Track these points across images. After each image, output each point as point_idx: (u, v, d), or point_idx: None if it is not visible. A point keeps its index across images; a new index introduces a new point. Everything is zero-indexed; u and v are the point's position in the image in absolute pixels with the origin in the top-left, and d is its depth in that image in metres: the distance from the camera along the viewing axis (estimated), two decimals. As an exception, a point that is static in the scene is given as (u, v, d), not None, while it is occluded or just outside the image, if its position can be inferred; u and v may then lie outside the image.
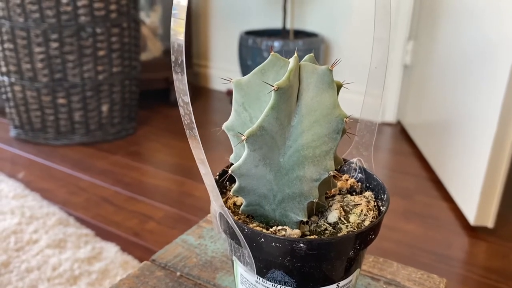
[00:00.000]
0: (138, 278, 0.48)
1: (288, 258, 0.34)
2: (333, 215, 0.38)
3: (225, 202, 0.40)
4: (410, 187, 1.46)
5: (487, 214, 1.21)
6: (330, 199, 0.41)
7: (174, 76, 0.30)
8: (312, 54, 0.36)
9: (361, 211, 0.38)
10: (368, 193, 0.41)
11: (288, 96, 0.34)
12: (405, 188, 1.46)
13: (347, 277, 0.37)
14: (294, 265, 0.35)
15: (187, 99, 0.30)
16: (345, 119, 0.34)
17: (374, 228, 0.36)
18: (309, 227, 0.38)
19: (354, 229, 0.37)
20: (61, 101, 1.65)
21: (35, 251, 1.11)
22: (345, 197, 0.41)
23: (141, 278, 0.48)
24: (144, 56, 2.11)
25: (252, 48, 1.81)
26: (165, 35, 2.33)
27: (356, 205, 0.39)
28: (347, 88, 0.37)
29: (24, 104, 1.67)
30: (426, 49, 1.70)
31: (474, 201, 1.21)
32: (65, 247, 1.13)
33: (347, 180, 0.43)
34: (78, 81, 1.63)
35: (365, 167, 0.43)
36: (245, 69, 1.90)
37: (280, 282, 0.36)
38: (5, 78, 1.66)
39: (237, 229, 0.35)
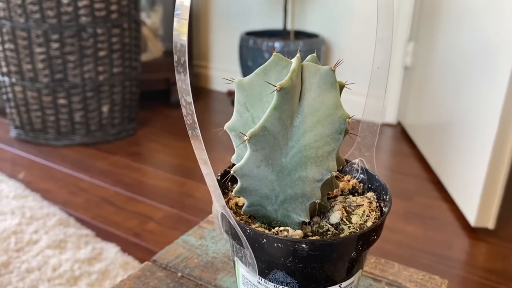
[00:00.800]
0: (139, 279, 0.48)
1: (290, 259, 0.34)
2: (335, 216, 0.38)
3: (227, 202, 0.40)
4: (411, 188, 1.46)
5: (487, 215, 1.21)
6: (332, 200, 0.41)
7: (177, 76, 0.30)
8: (314, 55, 0.36)
9: (363, 212, 0.38)
10: (370, 194, 0.41)
11: (290, 96, 0.33)
12: (405, 189, 1.45)
13: (349, 278, 0.37)
14: (296, 266, 0.35)
15: (190, 99, 0.30)
16: (347, 119, 0.34)
17: (376, 229, 0.36)
18: (311, 228, 0.38)
19: (356, 230, 0.37)
20: (61, 101, 1.65)
21: (35, 252, 1.11)
22: (347, 198, 0.40)
23: (142, 278, 0.48)
24: (145, 57, 2.11)
25: (253, 48, 1.81)
26: (166, 36, 2.33)
27: (358, 206, 0.39)
28: (349, 88, 0.37)
29: (24, 104, 1.67)
30: (426, 51, 1.70)
31: (475, 202, 1.21)
32: (66, 248, 1.13)
33: (349, 181, 0.43)
34: (79, 81, 1.63)
35: (367, 167, 0.43)
36: (246, 70, 1.90)
37: (282, 283, 0.36)
38: (6, 79, 1.66)
39: (239, 229, 0.35)
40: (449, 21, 1.51)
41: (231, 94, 2.29)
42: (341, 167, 0.41)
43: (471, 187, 1.24)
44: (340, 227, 0.37)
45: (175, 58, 0.29)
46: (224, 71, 2.35)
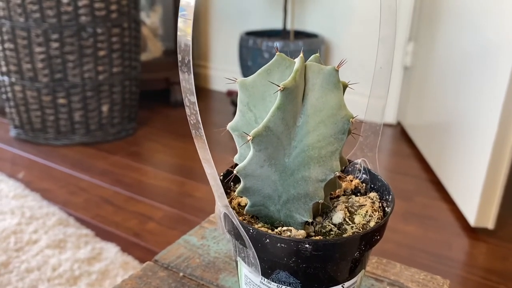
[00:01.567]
0: (141, 279, 0.48)
1: (293, 259, 0.34)
2: (338, 216, 0.38)
3: (230, 202, 0.40)
4: (410, 188, 1.46)
5: (487, 215, 1.21)
6: (335, 199, 0.41)
7: (181, 76, 0.30)
8: (317, 54, 0.36)
9: (366, 212, 0.38)
10: (372, 194, 0.41)
11: (294, 96, 0.33)
12: (405, 189, 1.46)
13: (352, 278, 0.37)
14: (299, 266, 0.35)
15: (194, 98, 0.30)
16: (351, 119, 0.34)
17: (379, 229, 0.36)
18: (314, 228, 0.37)
19: (359, 230, 0.37)
20: (61, 101, 1.65)
21: (35, 252, 1.11)
22: (350, 198, 0.40)
23: (143, 278, 0.48)
24: (144, 57, 2.11)
25: (253, 48, 1.81)
26: (166, 36, 2.33)
27: (361, 206, 0.39)
28: (352, 88, 0.37)
29: (24, 104, 1.67)
30: (426, 51, 1.70)
31: (475, 202, 1.21)
32: (65, 248, 1.13)
33: (351, 181, 0.43)
34: (79, 81, 1.63)
35: (369, 168, 0.43)
36: (246, 70, 1.90)
37: (285, 283, 0.36)
38: (6, 78, 1.66)
39: (242, 229, 0.35)
40: (449, 21, 1.51)
41: (230, 94, 2.29)
42: (343, 167, 0.41)
43: (471, 187, 1.24)
44: (343, 227, 0.37)
45: (179, 57, 0.29)
46: (223, 71, 2.35)
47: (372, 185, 0.43)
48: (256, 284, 0.38)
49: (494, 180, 1.19)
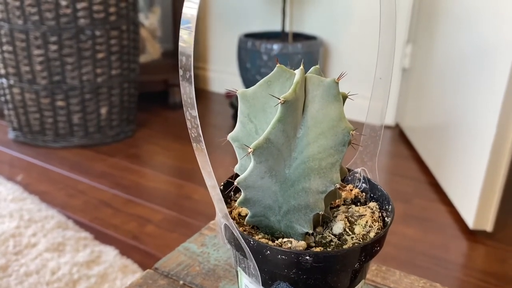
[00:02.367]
0: (141, 287, 0.48)
1: (294, 270, 0.34)
2: (338, 226, 0.38)
3: (230, 212, 0.40)
4: (409, 191, 1.46)
5: (486, 217, 1.22)
6: (335, 209, 0.41)
7: (182, 90, 0.30)
8: (317, 66, 0.36)
9: (366, 222, 0.38)
10: (372, 204, 0.41)
11: (294, 109, 0.34)
12: (403, 191, 1.46)
13: (352, 288, 0.37)
14: (300, 277, 0.35)
15: (195, 112, 0.30)
16: (351, 132, 0.34)
17: (379, 240, 0.36)
18: (315, 238, 0.38)
19: (359, 240, 0.37)
20: (60, 103, 1.65)
21: (33, 255, 1.11)
22: (350, 208, 0.41)
23: (144, 287, 0.48)
24: (143, 58, 2.11)
25: (251, 50, 1.81)
26: (164, 37, 2.33)
27: (360, 216, 0.39)
28: (351, 99, 0.37)
29: (22, 106, 1.67)
30: (424, 52, 1.70)
31: (473, 204, 1.22)
32: (64, 251, 1.13)
33: (351, 190, 0.43)
34: (77, 83, 1.63)
35: (369, 177, 0.43)
36: (244, 72, 1.90)
37: (285, 294, 0.36)
38: (4, 80, 1.66)
39: (243, 241, 0.35)
40: (447, 23, 1.51)
41: (229, 96, 2.29)
42: (343, 177, 0.41)
43: (470, 190, 1.24)
44: (343, 237, 0.37)
45: (181, 72, 0.29)
46: (222, 73, 2.35)
47: (371, 195, 0.43)
48: (256, 294, 0.38)
49: (493, 183, 1.19)
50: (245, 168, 0.36)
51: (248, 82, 1.91)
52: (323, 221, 0.39)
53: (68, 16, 1.54)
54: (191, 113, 0.30)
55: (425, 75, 1.69)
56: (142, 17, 2.19)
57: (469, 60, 1.32)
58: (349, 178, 0.44)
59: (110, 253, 1.13)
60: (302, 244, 0.36)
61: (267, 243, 0.35)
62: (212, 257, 0.53)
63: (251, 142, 0.34)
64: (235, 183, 0.35)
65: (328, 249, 0.36)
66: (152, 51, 2.19)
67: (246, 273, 0.37)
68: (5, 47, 1.59)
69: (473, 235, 1.24)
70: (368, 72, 1.93)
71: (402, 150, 1.76)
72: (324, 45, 1.99)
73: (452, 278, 1.09)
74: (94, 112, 1.70)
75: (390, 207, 0.40)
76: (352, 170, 0.44)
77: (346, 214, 0.39)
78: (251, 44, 1.81)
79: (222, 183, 0.41)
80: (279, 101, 0.32)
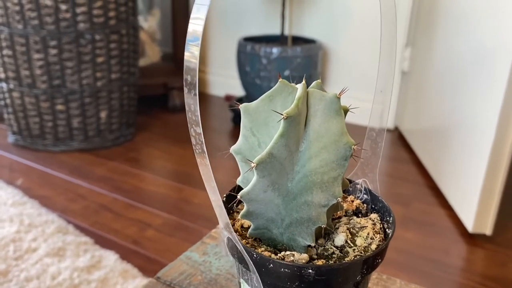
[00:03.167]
0: (144, 296, 0.48)
1: (296, 283, 0.34)
2: (340, 238, 0.38)
3: (233, 224, 0.41)
4: (408, 194, 1.47)
5: (485, 221, 1.22)
6: (336, 221, 0.41)
7: (187, 107, 0.30)
8: (319, 81, 0.37)
9: (368, 234, 0.38)
10: (374, 215, 0.41)
11: (296, 123, 0.34)
12: (403, 194, 1.46)
13: (354, 300, 0.38)
14: (302, 290, 0.35)
15: (199, 129, 0.30)
16: (353, 146, 0.35)
17: (381, 253, 0.36)
18: (317, 250, 0.38)
19: (361, 252, 0.37)
20: (59, 107, 1.65)
21: (34, 260, 1.11)
22: (351, 219, 0.41)
23: (146, 296, 0.48)
24: (142, 62, 2.11)
25: (251, 54, 1.82)
26: (164, 40, 2.33)
27: (362, 227, 0.39)
28: (352, 112, 0.38)
29: (22, 110, 1.67)
30: (423, 56, 1.71)
31: (472, 208, 1.22)
32: (64, 256, 1.13)
33: (352, 201, 0.43)
34: (77, 87, 1.63)
35: (370, 188, 0.43)
36: (244, 75, 1.90)
37: (288, 306, 0.36)
38: (4, 85, 1.66)
39: (246, 254, 0.35)
40: (446, 26, 1.52)
41: (228, 99, 2.29)
42: (344, 189, 0.41)
43: (469, 193, 1.25)
44: (345, 249, 0.38)
45: (186, 90, 0.30)
46: (222, 76, 2.35)
47: (373, 206, 0.43)
48: (259, 306, 0.38)
49: (492, 186, 1.19)
50: (248, 181, 0.36)
51: (247, 85, 1.91)
52: (324, 233, 0.39)
53: (68, 21, 1.54)
54: (196, 130, 0.30)
55: (424, 78, 1.69)
56: (141, 20, 2.20)
57: (468, 63, 1.32)
58: (350, 189, 0.44)
59: (110, 258, 1.13)
60: (304, 257, 0.36)
61: (270, 256, 0.35)
62: (214, 266, 0.53)
63: (254, 155, 0.34)
64: (238, 197, 0.36)
65: (330, 262, 0.36)
66: (151, 55, 2.19)
67: (249, 285, 0.38)
68: (5, 51, 1.59)
69: (472, 239, 1.24)
70: (367, 75, 1.93)
71: (401, 153, 1.76)
72: (323, 48, 1.99)
73: (452, 282, 1.10)
74: (94, 116, 1.70)
75: (391, 218, 0.40)
76: (353, 181, 0.44)
77: (348, 225, 0.40)
78: (250, 48, 1.82)
79: (224, 195, 0.42)
80: (282, 116, 0.33)
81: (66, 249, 1.15)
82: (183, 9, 2.14)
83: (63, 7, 1.52)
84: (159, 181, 1.54)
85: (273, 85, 0.36)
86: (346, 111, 0.37)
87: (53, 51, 1.57)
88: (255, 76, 1.84)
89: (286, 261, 0.35)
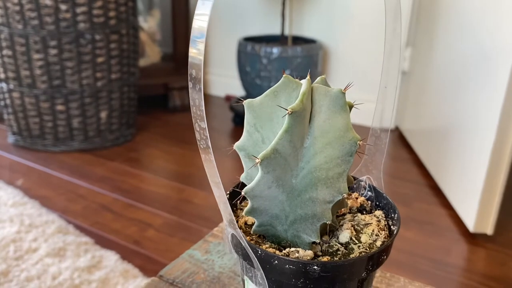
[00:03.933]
0: (146, 295, 0.48)
1: (301, 280, 0.34)
2: (344, 235, 0.38)
3: (237, 221, 0.40)
4: (409, 194, 1.46)
5: (486, 221, 1.22)
6: (341, 217, 0.41)
7: (191, 102, 0.30)
8: (324, 76, 0.36)
9: (373, 231, 0.38)
10: (378, 212, 0.41)
11: (301, 119, 0.34)
12: (404, 194, 1.46)
13: (359, 297, 0.37)
14: (307, 287, 0.35)
15: (204, 124, 0.30)
16: (358, 142, 0.34)
17: (386, 249, 0.36)
18: (321, 247, 0.38)
19: (366, 249, 0.37)
20: (59, 107, 1.65)
21: (34, 260, 1.11)
22: (356, 216, 0.41)
23: (149, 294, 0.48)
24: (143, 62, 2.11)
25: (251, 54, 1.82)
26: (164, 41, 2.33)
27: (367, 224, 0.39)
28: (357, 108, 0.38)
29: (22, 110, 1.66)
30: (424, 55, 1.71)
31: (473, 208, 1.22)
32: (65, 256, 1.13)
33: (357, 198, 0.43)
34: (77, 87, 1.63)
35: (374, 185, 0.43)
36: (244, 75, 1.90)
37: (292, 303, 0.36)
38: (4, 85, 1.65)
39: (251, 251, 0.35)
40: (446, 26, 1.52)
41: (228, 99, 2.29)
42: (349, 186, 0.41)
43: (470, 193, 1.25)
44: (350, 246, 0.38)
45: (190, 84, 0.29)
46: (222, 76, 2.35)
47: (377, 203, 0.43)
48: (263, 303, 0.38)
49: (493, 186, 1.19)
50: (252, 178, 0.36)
51: (248, 85, 1.91)
52: (329, 230, 0.39)
53: (68, 21, 1.54)
54: (200, 124, 0.30)
55: (425, 78, 1.69)
56: (141, 20, 2.19)
57: (469, 63, 1.32)
58: (355, 186, 0.44)
59: (111, 258, 1.13)
60: (309, 253, 0.36)
61: (274, 252, 0.35)
62: (216, 264, 0.53)
63: (258, 151, 0.34)
64: (242, 193, 0.35)
65: (336, 259, 0.36)
66: (151, 55, 2.19)
67: (253, 282, 0.37)
68: (5, 52, 1.59)
69: (473, 238, 1.24)
70: (368, 75, 1.93)
71: (401, 153, 1.76)
72: (323, 48, 1.99)
73: (453, 281, 1.09)
74: (94, 116, 1.70)
75: (396, 215, 0.40)
76: (358, 178, 0.44)
77: (352, 222, 0.40)
78: (250, 48, 1.81)
79: (228, 192, 0.41)
80: (287, 111, 0.33)
81: (66, 249, 1.15)
82: (183, 10, 2.14)
83: (63, 7, 1.52)
84: (159, 181, 1.53)
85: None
86: (351, 107, 0.37)
87: (53, 51, 1.57)
88: (255, 76, 1.83)
89: (291, 258, 0.34)
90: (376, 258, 0.35)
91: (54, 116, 1.66)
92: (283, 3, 1.86)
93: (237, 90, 2.22)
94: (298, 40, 1.95)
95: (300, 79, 0.36)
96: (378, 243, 0.37)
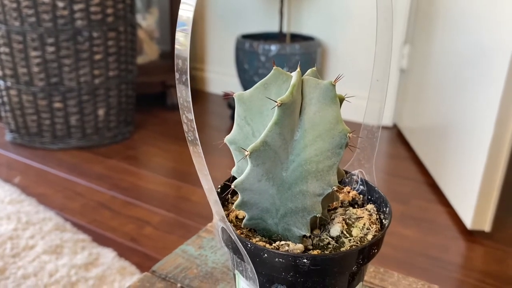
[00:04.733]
0: (139, 290, 0.48)
1: (291, 273, 0.34)
2: (335, 229, 0.38)
3: (227, 215, 0.40)
4: (407, 191, 1.46)
5: (484, 218, 1.22)
6: (332, 211, 0.41)
7: (178, 93, 0.30)
8: (314, 68, 0.36)
9: (364, 224, 0.38)
10: (370, 206, 0.41)
11: (291, 111, 0.33)
12: (401, 192, 1.46)
13: (350, 291, 0.37)
14: (297, 280, 0.35)
15: (191, 116, 0.30)
16: (348, 134, 0.34)
17: (377, 243, 0.36)
18: (312, 241, 0.38)
19: (357, 243, 0.37)
20: (57, 105, 1.64)
21: (31, 257, 1.10)
22: (347, 210, 0.41)
23: (141, 289, 0.48)
24: (141, 60, 2.10)
25: (249, 51, 1.81)
26: (162, 38, 2.32)
27: (358, 218, 0.39)
28: (348, 101, 0.37)
29: (20, 108, 1.66)
30: (422, 53, 1.71)
31: (471, 205, 1.22)
32: (62, 253, 1.13)
33: (348, 192, 0.43)
34: (75, 85, 1.63)
35: (366, 179, 0.43)
36: (242, 73, 1.90)
37: (283, 297, 0.36)
38: (1, 82, 1.65)
39: (240, 244, 0.35)
40: (444, 24, 1.51)
41: (227, 96, 2.28)
42: (340, 179, 0.41)
43: (468, 190, 1.24)
44: (341, 240, 0.37)
45: (177, 75, 0.29)
46: (220, 74, 2.35)
47: (369, 197, 0.43)
48: (254, 297, 0.38)
49: (491, 183, 1.19)
50: (242, 171, 0.35)
51: (246, 83, 1.91)
52: (320, 224, 0.39)
53: (65, 18, 1.54)
54: (188, 116, 0.30)
55: (423, 76, 1.69)
56: (139, 18, 2.19)
57: (467, 61, 1.32)
58: (347, 180, 0.44)
59: (108, 255, 1.13)
60: (299, 247, 0.35)
61: (264, 246, 0.35)
62: (209, 259, 0.53)
63: (248, 144, 0.34)
64: (232, 186, 0.35)
65: (326, 252, 0.36)
66: (149, 52, 2.19)
67: (243, 276, 0.37)
68: (2, 49, 1.59)
69: (471, 236, 1.24)
70: (366, 72, 1.93)
71: (400, 150, 1.76)
72: (321, 46, 1.99)
73: (451, 279, 1.09)
74: (92, 114, 1.70)
75: (387, 209, 0.40)
76: (350, 172, 0.44)
77: (344, 216, 0.39)
78: (248, 45, 1.81)
79: (219, 186, 0.41)
80: (276, 104, 0.32)
81: (63, 247, 1.15)
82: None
83: (60, 4, 1.51)
84: (157, 179, 1.53)
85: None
86: (341, 99, 0.36)
87: (51, 49, 1.56)
88: (253, 73, 1.83)
89: (281, 251, 0.34)
90: (366, 252, 0.35)
91: (51, 114, 1.66)
92: (281, 0, 1.86)
93: (236, 87, 2.22)
94: (296, 38, 1.95)
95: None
96: (369, 237, 0.37)
